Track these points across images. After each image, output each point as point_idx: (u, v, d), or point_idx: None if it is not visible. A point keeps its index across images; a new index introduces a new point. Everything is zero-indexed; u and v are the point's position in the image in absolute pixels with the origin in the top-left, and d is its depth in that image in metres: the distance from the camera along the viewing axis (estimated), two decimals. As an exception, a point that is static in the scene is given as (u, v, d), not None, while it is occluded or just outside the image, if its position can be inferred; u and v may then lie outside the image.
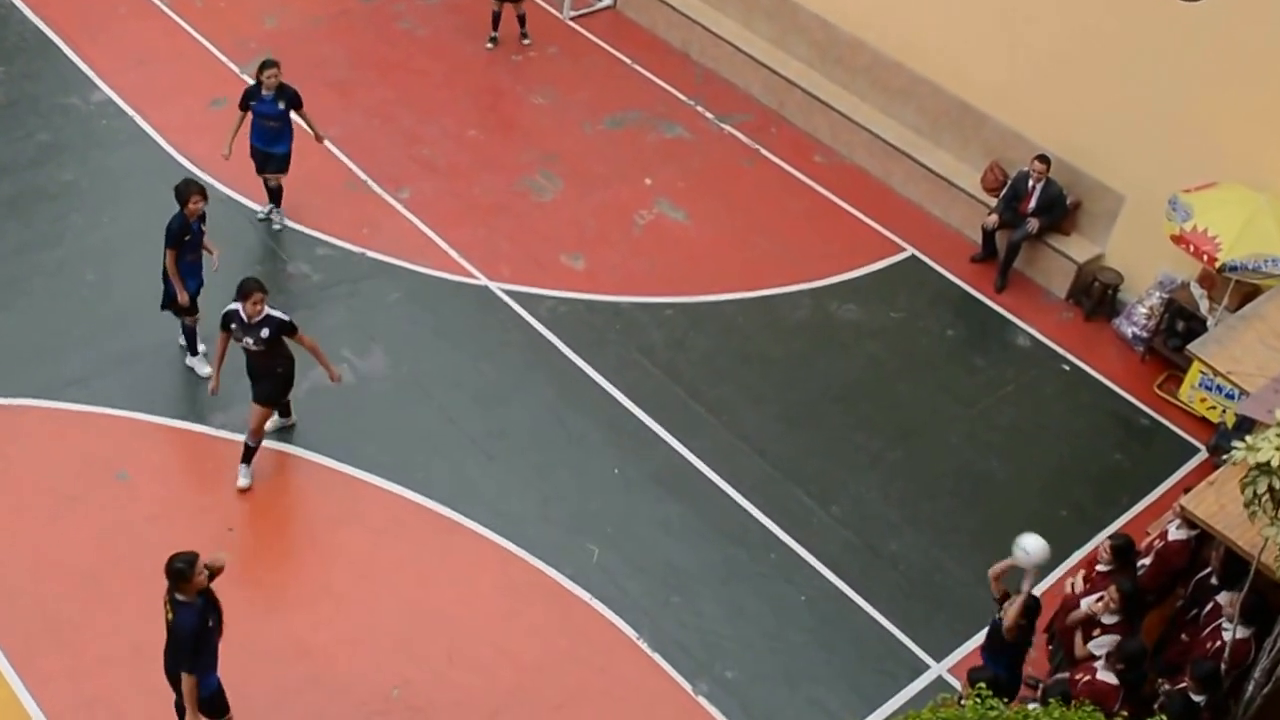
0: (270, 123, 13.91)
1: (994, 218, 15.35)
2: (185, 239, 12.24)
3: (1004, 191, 15.47)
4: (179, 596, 9.08)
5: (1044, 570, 10.72)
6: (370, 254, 14.45)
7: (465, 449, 12.48)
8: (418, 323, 13.74)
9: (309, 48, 17.43)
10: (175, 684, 9.36)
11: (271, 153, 14.10)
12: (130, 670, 10.25)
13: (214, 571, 9.21)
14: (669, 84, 17.90)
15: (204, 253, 12.54)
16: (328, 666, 10.62)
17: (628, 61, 18.25)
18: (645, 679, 10.89)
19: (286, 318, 11.53)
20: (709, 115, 17.46)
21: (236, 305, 11.40)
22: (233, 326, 11.46)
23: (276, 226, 14.58)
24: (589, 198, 15.75)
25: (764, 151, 16.96)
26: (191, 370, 12.79)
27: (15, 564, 10.96)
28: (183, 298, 12.41)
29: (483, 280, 14.34)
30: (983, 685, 8.70)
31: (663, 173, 16.33)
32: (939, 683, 11.13)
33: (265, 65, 13.78)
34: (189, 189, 12.11)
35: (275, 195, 14.51)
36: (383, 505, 11.90)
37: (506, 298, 14.15)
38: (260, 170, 14.27)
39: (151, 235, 12.68)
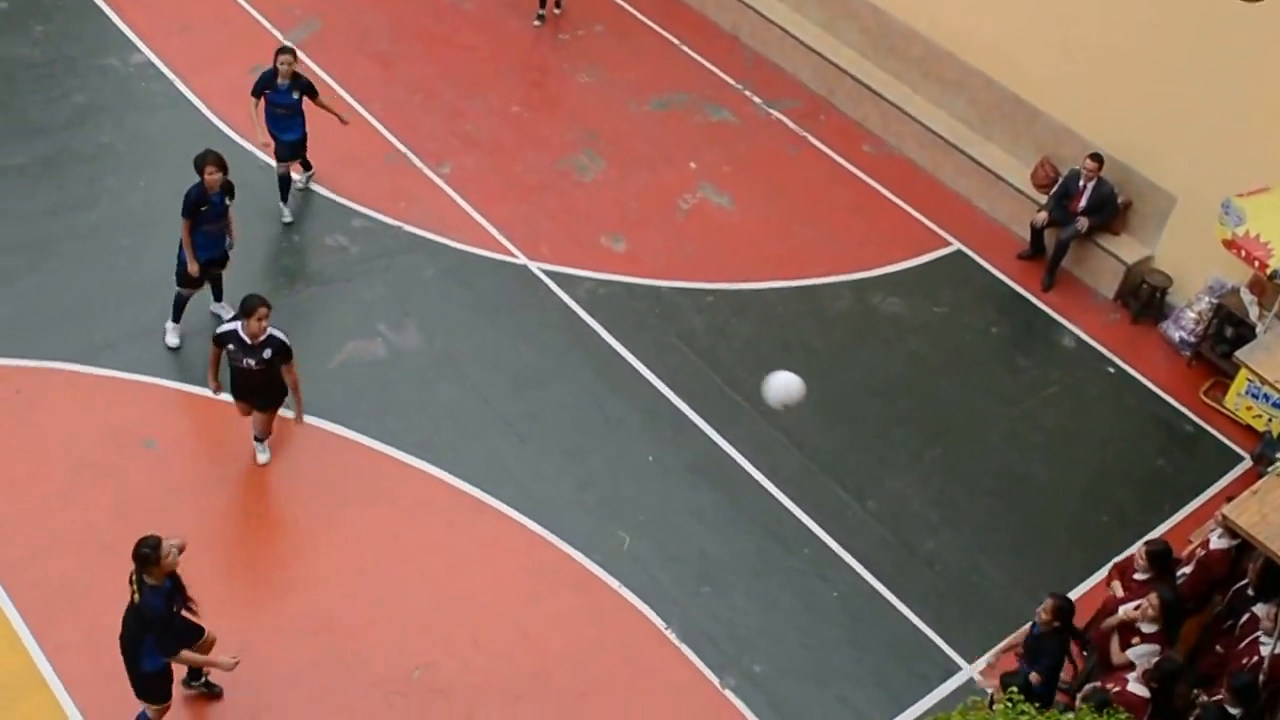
0: (281, 110, 13.64)
1: (1043, 215, 15.06)
2: (202, 209, 12.03)
3: (1054, 189, 15.18)
4: (147, 580, 8.86)
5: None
6: (408, 228, 14.26)
7: (498, 430, 12.30)
8: (454, 300, 13.55)
9: (353, 17, 17.26)
10: (130, 664, 9.16)
11: (283, 139, 13.80)
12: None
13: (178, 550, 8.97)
14: (717, 67, 17.65)
15: (226, 229, 12.34)
16: (349, 644, 10.47)
17: (676, 43, 18.00)
18: (672, 670, 10.70)
19: (287, 340, 11.00)
20: (757, 100, 17.21)
21: (235, 325, 10.86)
22: (230, 348, 10.91)
23: (300, 186, 14.47)
24: (632, 179, 15.53)
25: (811, 139, 16.70)
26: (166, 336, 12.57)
27: (37, 530, 10.82)
28: (193, 268, 12.22)
29: (522, 259, 14.14)
30: (1015, 690, 8.51)
31: (708, 156, 16.09)
32: (970, 685, 10.92)
33: (281, 51, 13.52)
34: (205, 159, 11.90)
35: (284, 183, 14.12)
36: (412, 484, 11.73)
37: (545, 278, 13.95)
38: (277, 157, 14.04)
39: (176, 203, 12.51)
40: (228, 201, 12.16)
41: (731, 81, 17.44)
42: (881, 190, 16.07)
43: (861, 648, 11.10)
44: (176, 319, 12.59)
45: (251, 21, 16.91)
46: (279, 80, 13.51)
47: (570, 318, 13.55)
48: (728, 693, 10.60)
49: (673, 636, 10.89)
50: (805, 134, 16.76)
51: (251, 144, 14.47)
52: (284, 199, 14.14)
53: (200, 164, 11.89)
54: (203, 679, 10.02)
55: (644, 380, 13.01)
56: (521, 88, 16.77)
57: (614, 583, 11.21)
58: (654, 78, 17.29)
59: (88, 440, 11.57)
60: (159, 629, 8.90)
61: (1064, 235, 14.89)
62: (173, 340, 12.53)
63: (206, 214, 12.11)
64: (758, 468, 12.34)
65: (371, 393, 12.43)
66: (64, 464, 11.36)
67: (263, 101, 13.62)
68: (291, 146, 13.94)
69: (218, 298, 12.85)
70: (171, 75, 15.83)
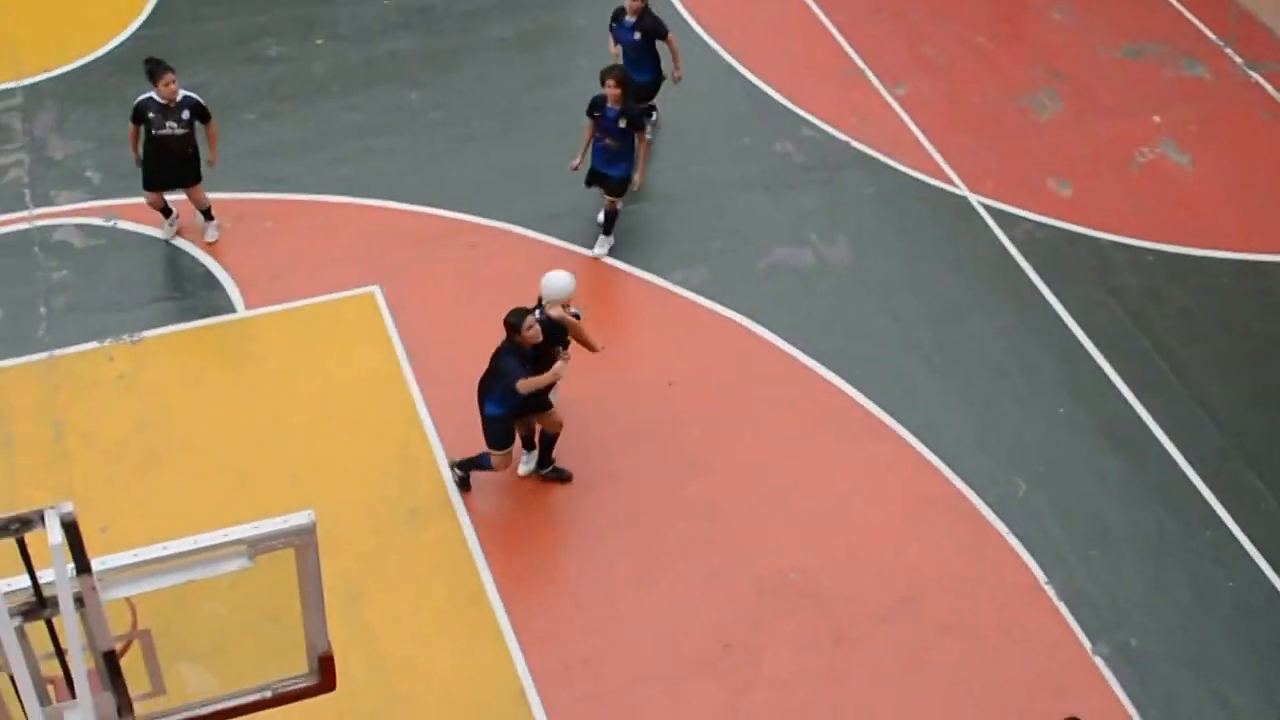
0: (628, 50, 13.42)
1: None
2: (594, 115, 12.30)
3: None
4: (513, 339, 10.23)
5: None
6: (854, 144, 14.40)
7: (910, 356, 12.38)
8: (888, 221, 13.64)
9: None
10: (480, 406, 10.62)
11: (635, 79, 13.20)
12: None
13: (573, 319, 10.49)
14: (1199, 19, 16.73)
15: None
16: (734, 534, 10.91)
17: (1161, -12, 17.22)
18: (1044, 625, 10.59)
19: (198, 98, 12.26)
20: (1237, 59, 16.24)
21: (149, 94, 12.03)
22: (150, 115, 12.04)
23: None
24: (1089, 125, 15.05)
25: (1292, 108, 15.70)
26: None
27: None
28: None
29: (963, 190, 14.04)
30: None
31: (1173, 112, 15.36)
32: (1366, 709, 10.30)
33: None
34: (606, 73, 12.26)
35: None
36: (818, 393, 12.00)
37: (984, 212, 13.80)
38: None
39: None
40: (621, 124, 12.34)
41: (1213, 36, 16.52)
42: (1366, 172, 14.95)
43: (1249, 645, 10.61)
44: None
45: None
46: (626, 16, 13.35)
47: (1002, 256, 13.38)
48: (1098, 660, 10.41)
49: (1051, 592, 10.76)
50: (1286, 102, 15.77)
51: (722, 42, 14.89)
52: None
53: (602, 77, 12.28)
54: (551, 466, 11.07)
55: (1067, 331, 12.74)
56: (990, 19, 16.46)
57: (1001, 527, 11.16)
58: (1129, 23, 16.59)
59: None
60: (504, 374, 10.23)
61: None
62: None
63: (599, 121, 12.39)
64: (1172, 440, 11.90)
65: (794, 299, 12.75)
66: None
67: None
68: (640, 88, 13.45)
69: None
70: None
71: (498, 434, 10.71)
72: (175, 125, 12.15)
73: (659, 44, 13.54)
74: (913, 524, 11.12)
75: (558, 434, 10.98)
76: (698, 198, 13.67)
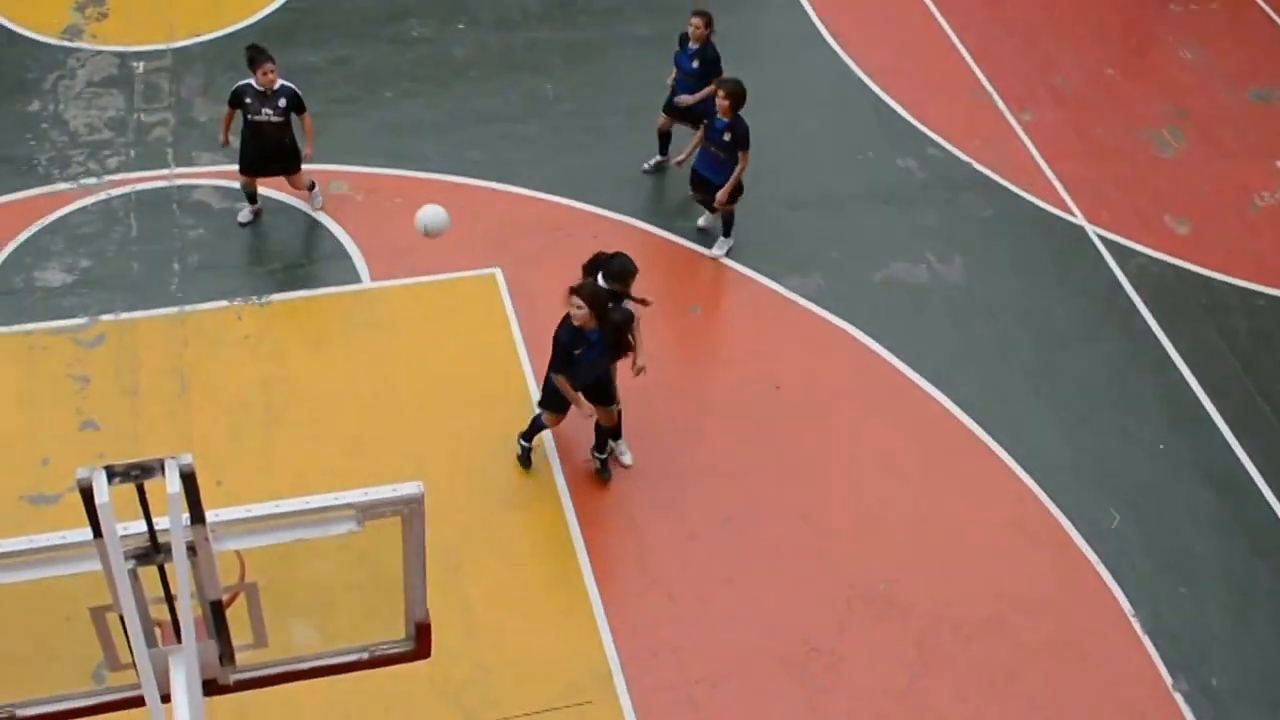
0: (685, 75, 13.40)
1: None
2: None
3: None
4: (572, 316, 10.30)
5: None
6: (976, 165, 14.54)
7: (1014, 378, 12.52)
8: (1004, 244, 13.78)
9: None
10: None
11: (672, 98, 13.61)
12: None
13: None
14: (1335, 68, 16.65)
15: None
16: (828, 540, 11.15)
17: (1294, 35, 17.12)
18: (1126, 655, 10.70)
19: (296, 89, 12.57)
20: (1371, 111, 16.13)
21: (248, 80, 12.42)
22: (247, 100, 12.44)
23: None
24: (1210, 164, 15.05)
25: None
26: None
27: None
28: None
29: (1080, 220, 14.12)
30: None
31: (1299, 159, 15.33)
32: None
33: (694, 14, 13.12)
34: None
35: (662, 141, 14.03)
36: (920, 406, 12.20)
37: (1099, 243, 13.89)
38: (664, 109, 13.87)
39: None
40: (725, 137, 12.55)
41: (1348, 86, 16.43)
42: None
43: (1332, 694, 10.67)
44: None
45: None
46: (689, 42, 13.32)
47: (1114, 288, 13.46)
48: (1177, 695, 10.50)
49: (1137, 624, 10.87)
50: None
51: (848, 48, 15.05)
52: (661, 151, 14.01)
53: (716, 85, 12.58)
54: (605, 454, 11.30)
55: (1174, 367, 12.80)
56: (1120, 52, 16.49)
57: (1091, 556, 11.27)
58: (1258, 67, 16.51)
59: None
60: (555, 352, 10.46)
61: None
62: (703, 222, 13.49)
63: (706, 128, 12.68)
64: (1270, 485, 11.93)
65: (905, 314, 12.95)
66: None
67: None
68: (684, 108, 13.50)
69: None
70: None
71: (546, 398, 10.98)
72: (271, 113, 12.53)
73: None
74: (1005, 545, 11.28)
75: (609, 427, 11.19)
76: (818, 206, 13.93)
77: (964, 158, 14.63)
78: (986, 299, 13.20)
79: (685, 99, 13.31)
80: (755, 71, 15.05)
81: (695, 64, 13.23)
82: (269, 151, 12.81)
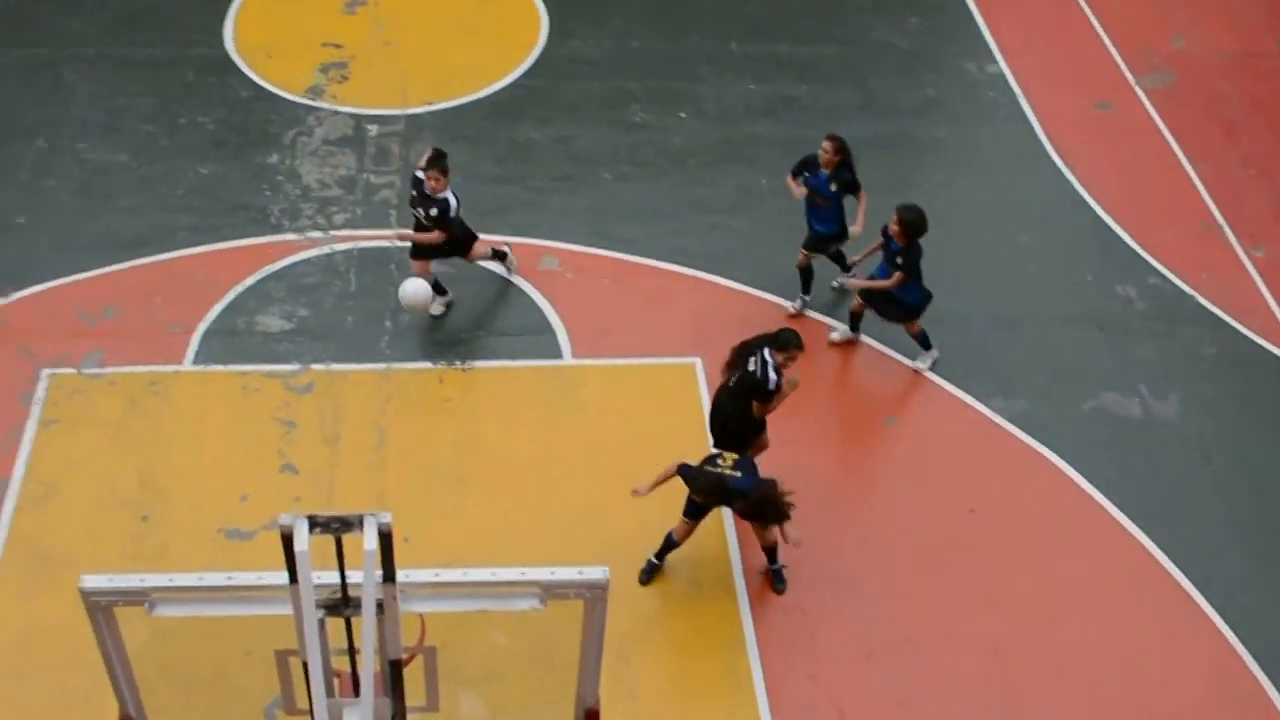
0: (818, 199, 12.98)
1: None
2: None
3: None
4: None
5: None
6: (1201, 299, 13.99)
7: (1227, 529, 11.88)
8: (1224, 384, 13.19)
9: (1209, 81, 17.00)
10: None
11: (815, 228, 13.16)
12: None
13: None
14: None
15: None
16: (1011, 675, 10.68)
17: None
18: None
19: (454, 205, 12.53)
20: None
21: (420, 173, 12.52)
22: (414, 194, 12.57)
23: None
24: None
25: None
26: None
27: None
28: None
29: (1295, 366, 13.49)
30: None
31: None
32: None
33: (828, 138, 12.92)
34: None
35: (803, 274, 13.45)
36: (1121, 546, 11.66)
37: (1319, 392, 13.23)
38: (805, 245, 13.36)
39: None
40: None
41: None
42: None
43: None
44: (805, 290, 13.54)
45: (1107, 57, 17.14)
46: (821, 169, 12.85)
47: (1333, 440, 12.78)
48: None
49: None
50: None
51: (1074, 167, 14.71)
52: (804, 289, 13.54)
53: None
54: (777, 565, 11.10)
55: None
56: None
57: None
58: None
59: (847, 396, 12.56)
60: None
61: None
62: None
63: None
64: None
65: (1113, 448, 12.45)
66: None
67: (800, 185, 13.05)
68: (820, 238, 13.17)
69: (843, 268, 13.50)
70: (1017, 90, 16.47)
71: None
72: (423, 215, 12.65)
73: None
74: (1205, 707, 10.63)
75: (766, 547, 10.98)
76: (1029, 327, 13.55)
77: (1188, 290, 14.08)
78: (1202, 441, 12.61)
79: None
80: (973, 182, 15.00)
81: (833, 187, 12.86)
82: (427, 245, 12.89)
